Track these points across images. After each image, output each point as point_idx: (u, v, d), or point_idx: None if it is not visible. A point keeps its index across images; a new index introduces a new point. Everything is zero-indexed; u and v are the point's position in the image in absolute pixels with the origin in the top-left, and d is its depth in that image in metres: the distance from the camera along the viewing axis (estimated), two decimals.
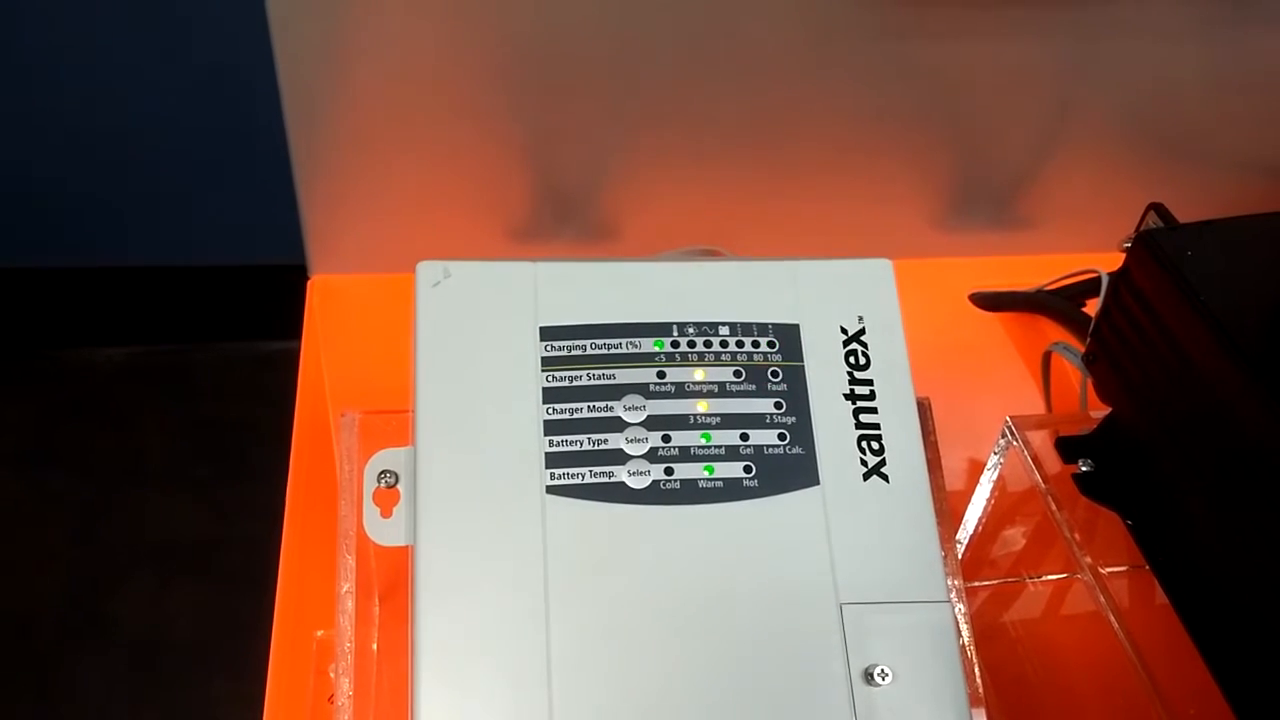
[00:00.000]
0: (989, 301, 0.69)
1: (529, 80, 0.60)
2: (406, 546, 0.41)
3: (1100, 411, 0.52)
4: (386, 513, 0.41)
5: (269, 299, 1.23)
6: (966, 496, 0.55)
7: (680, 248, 0.62)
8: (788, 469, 0.39)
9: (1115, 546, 0.51)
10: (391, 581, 0.48)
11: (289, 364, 0.63)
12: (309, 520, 0.56)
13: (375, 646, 0.47)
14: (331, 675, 0.51)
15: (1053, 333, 0.67)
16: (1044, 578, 0.57)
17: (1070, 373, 0.62)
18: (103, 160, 1.31)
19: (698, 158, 0.65)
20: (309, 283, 0.67)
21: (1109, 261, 0.63)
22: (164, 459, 1.39)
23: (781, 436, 0.40)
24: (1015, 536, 0.58)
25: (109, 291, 1.46)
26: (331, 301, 0.67)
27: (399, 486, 0.42)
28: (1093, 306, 0.63)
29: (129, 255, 1.42)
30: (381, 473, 0.42)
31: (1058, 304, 0.66)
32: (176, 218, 1.39)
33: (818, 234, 0.70)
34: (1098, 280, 0.63)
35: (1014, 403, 0.66)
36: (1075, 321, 0.64)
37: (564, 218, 0.68)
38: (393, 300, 0.66)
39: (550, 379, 0.40)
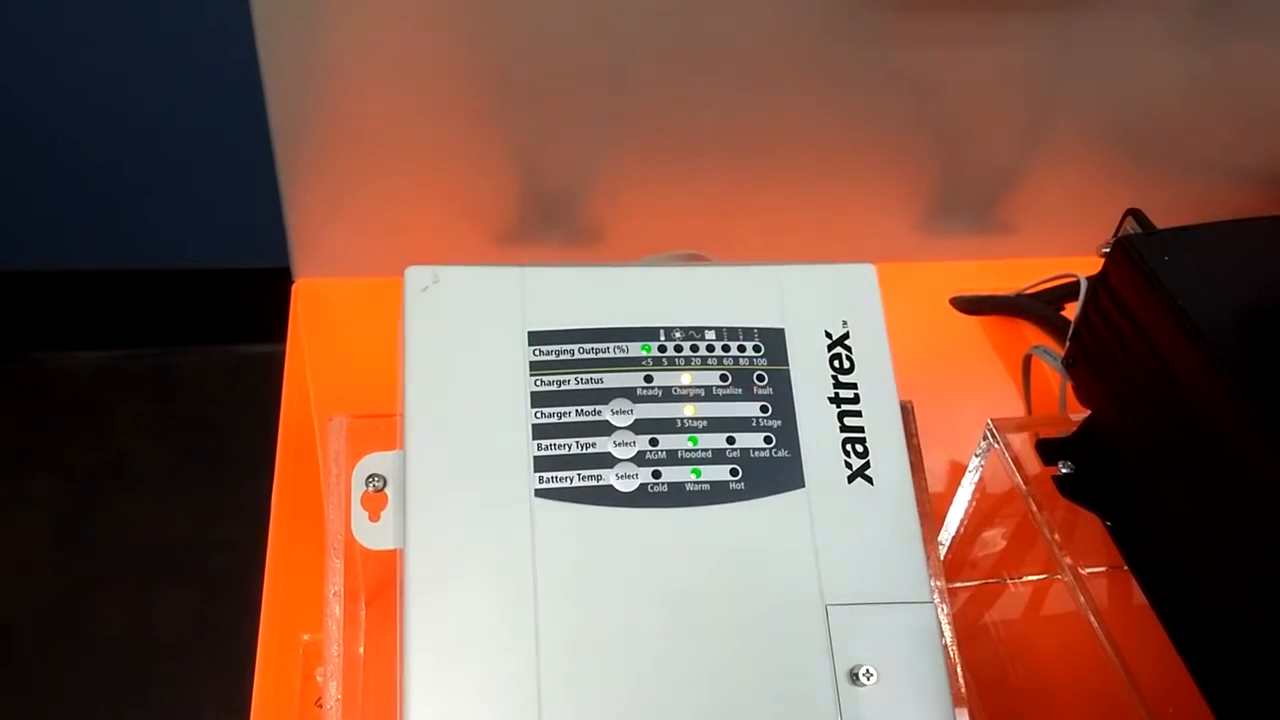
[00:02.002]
0: (969, 305, 0.70)
1: (514, 84, 0.60)
2: (394, 550, 0.41)
3: (1080, 414, 0.53)
4: (374, 516, 0.42)
5: (248, 302, 1.23)
6: (946, 498, 0.56)
7: (664, 252, 0.62)
8: (773, 472, 0.40)
9: (1093, 547, 0.52)
10: (377, 585, 0.48)
11: (270, 367, 0.63)
12: (295, 524, 0.56)
13: (362, 650, 0.47)
14: (319, 679, 0.51)
15: (1032, 336, 0.68)
16: (1024, 579, 0.58)
17: (1049, 375, 0.63)
18: (83, 162, 1.30)
19: (682, 162, 0.65)
20: (293, 286, 0.67)
21: (1088, 266, 0.63)
22: (145, 463, 1.38)
23: (767, 440, 0.40)
24: (995, 538, 0.58)
25: (88, 294, 1.45)
26: (316, 305, 0.67)
27: (387, 490, 0.42)
28: (1071, 310, 0.64)
29: (107, 258, 1.42)
30: (369, 476, 0.42)
31: (1037, 308, 0.66)
32: (157, 220, 1.38)
33: (800, 238, 0.71)
34: (1076, 284, 0.64)
35: (994, 405, 0.67)
36: (1054, 325, 0.65)
37: (549, 222, 0.68)
38: (377, 304, 0.66)
39: (538, 383, 0.40)
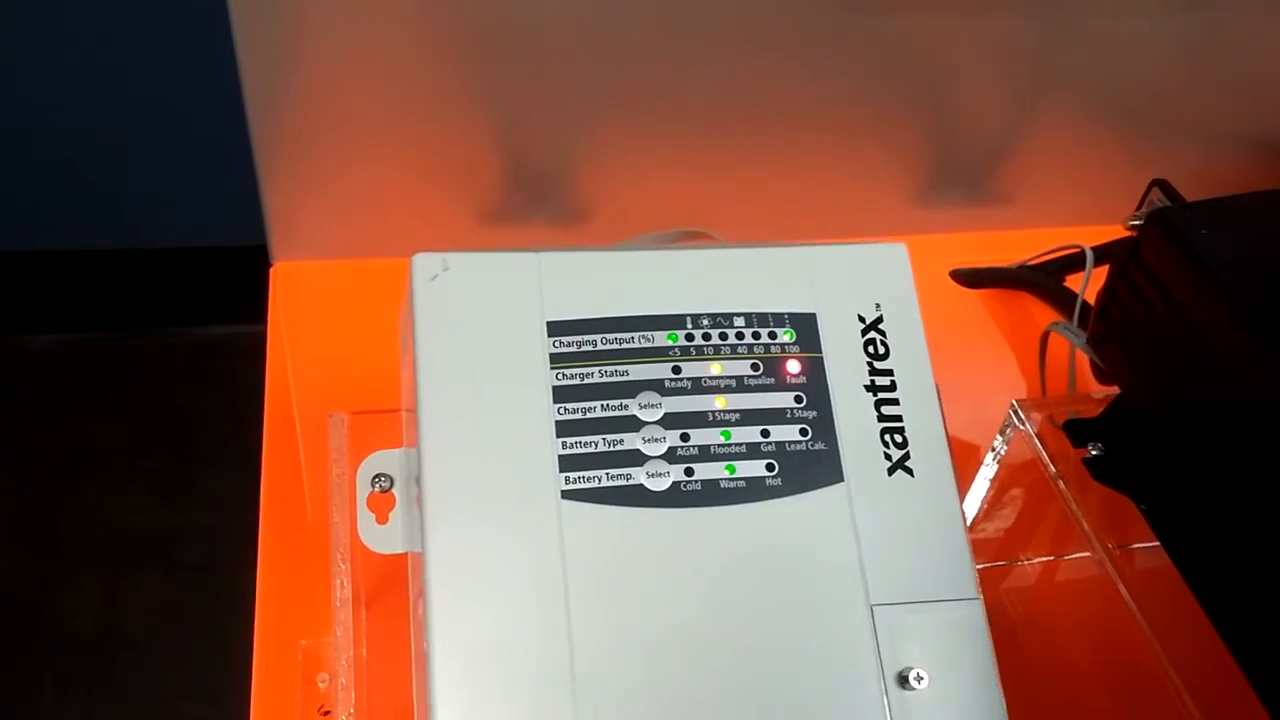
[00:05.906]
0: (970, 278, 0.68)
1: (498, 59, 0.57)
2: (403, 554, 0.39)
3: (1099, 390, 0.51)
4: (382, 519, 0.40)
5: (211, 282, 1.20)
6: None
7: (663, 230, 0.60)
8: (811, 466, 0.38)
9: (1102, 528, 0.51)
10: (376, 586, 0.46)
11: (234, 348, 0.60)
12: (284, 522, 0.54)
13: (364, 653, 0.45)
14: (320, 685, 0.49)
15: (1033, 308, 0.66)
16: (1039, 559, 0.57)
17: (1057, 351, 0.61)
18: (45, 137, 1.26)
19: (671, 137, 0.63)
20: (271, 270, 0.65)
21: (1089, 235, 0.62)
22: (108, 449, 1.34)
23: (803, 432, 0.38)
24: (1009, 518, 0.57)
25: (44, 276, 1.41)
26: (295, 289, 0.64)
27: (394, 491, 0.40)
28: (1074, 281, 0.63)
29: (64, 239, 1.37)
30: (375, 476, 0.40)
31: (1040, 280, 0.65)
32: (115, 201, 1.34)
33: (795, 211, 0.69)
34: (1080, 255, 0.63)
35: (997, 380, 0.66)
36: (1058, 297, 0.64)
37: (536, 200, 0.66)
38: (359, 286, 0.64)
39: (560, 377, 0.38)
